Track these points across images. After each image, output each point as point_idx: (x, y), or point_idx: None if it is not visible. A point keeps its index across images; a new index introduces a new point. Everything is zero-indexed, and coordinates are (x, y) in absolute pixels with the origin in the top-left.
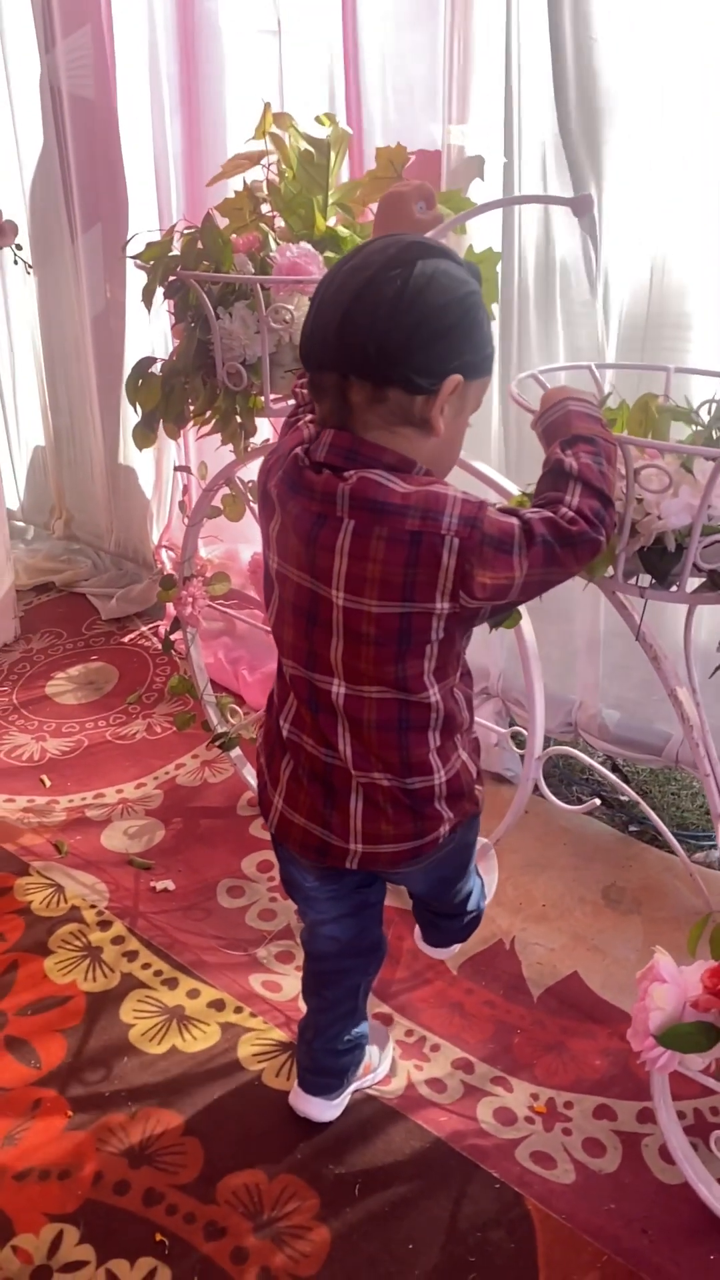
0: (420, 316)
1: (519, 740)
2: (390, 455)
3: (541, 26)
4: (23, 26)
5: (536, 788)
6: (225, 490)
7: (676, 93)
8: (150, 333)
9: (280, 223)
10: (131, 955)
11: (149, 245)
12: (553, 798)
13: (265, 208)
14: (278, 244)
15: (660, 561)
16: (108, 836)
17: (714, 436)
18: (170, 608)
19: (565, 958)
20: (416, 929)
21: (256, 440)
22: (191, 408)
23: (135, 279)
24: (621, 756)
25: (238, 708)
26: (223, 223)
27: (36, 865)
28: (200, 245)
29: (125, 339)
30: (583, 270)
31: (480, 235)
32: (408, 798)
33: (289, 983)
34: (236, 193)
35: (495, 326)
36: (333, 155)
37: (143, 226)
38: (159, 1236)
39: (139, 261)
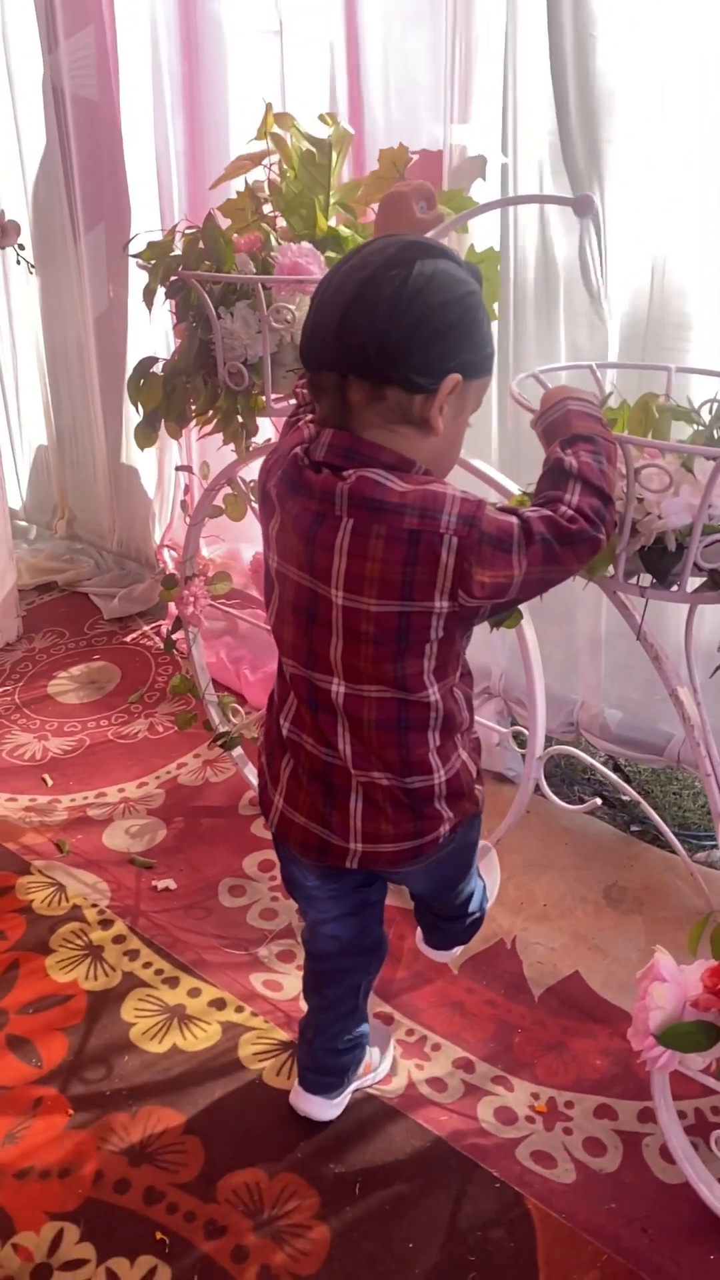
0: (419, 316)
1: (520, 740)
2: (389, 454)
3: (541, 26)
4: (25, 27)
5: (538, 787)
6: (227, 490)
7: (677, 92)
8: (152, 333)
9: (282, 223)
10: (133, 954)
11: (150, 245)
12: (554, 797)
13: (267, 208)
14: (279, 244)
15: (661, 561)
16: (109, 835)
17: (715, 436)
18: (172, 607)
19: (566, 957)
20: (418, 931)
21: (258, 440)
22: (193, 407)
23: (137, 279)
24: (623, 756)
25: (239, 707)
26: (225, 223)
27: (38, 864)
28: (202, 245)
29: (127, 339)
30: (584, 270)
31: (479, 235)
32: (407, 797)
33: (290, 982)
34: (239, 193)
35: (495, 326)
36: (334, 155)
37: (145, 227)
38: (159, 1235)
39: (140, 261)
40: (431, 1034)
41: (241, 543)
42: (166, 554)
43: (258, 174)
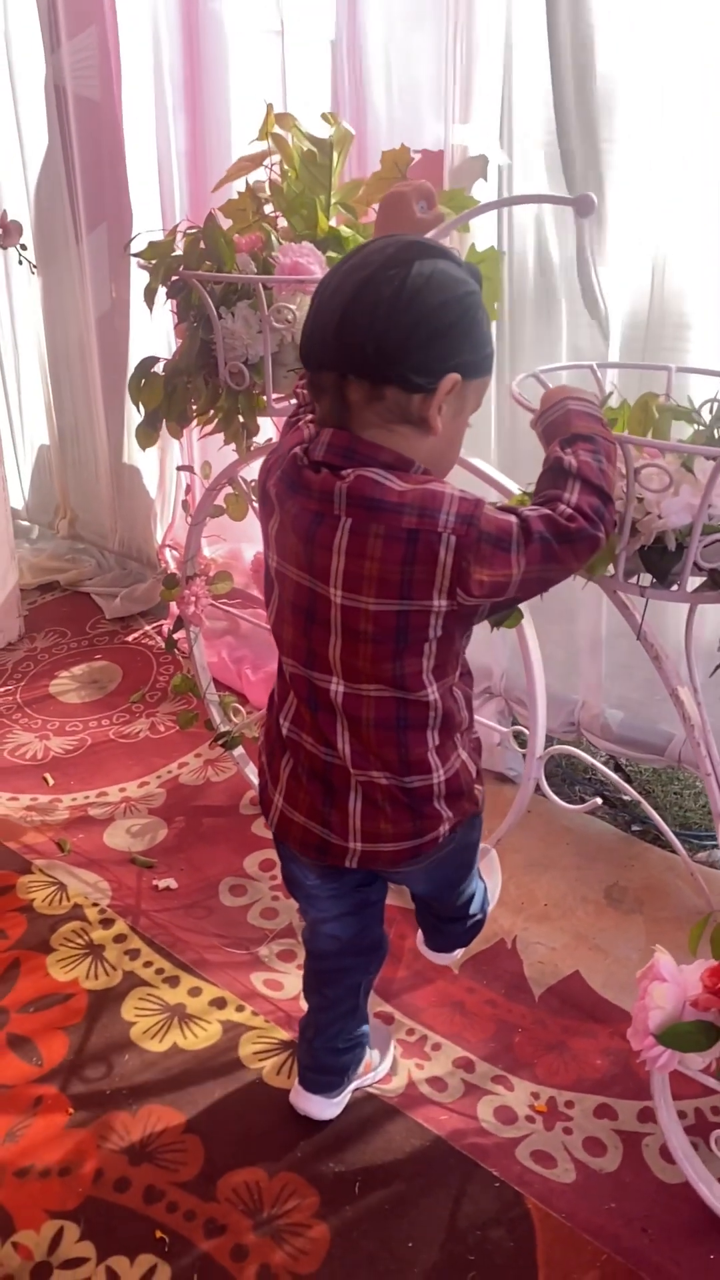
0: (418, 315)
1: (521, 739)
2: (388, 454)
3: (541, 27)
4: (28, 28)
5: (538, 787)
6: (228, 489)
7: (677, 92)
8: (154, 333)
9: (283, 223)
10: (133, 953)
11: (151, 244)
12: (554, 797)
13: (268, 208)
14: (280, 244)
15: (661, 560)
16: (110, 835)
17: (715, 436)
18: (174, 607)
19: (567, 957)
20: (419, 933)
21: (259, 439)
22: (194, 407)
23: (139, 279)
24: (624, 756)
25: (240, 707)
26: (226, 223)
27: (39, 863)
28: (203, 245)
29: (129, 339)
30: (582, 270)
31: (479, 235)
32: (406, 796)
33: (290, 981)
34: (240, 193)
35: (495, 326)
36: (335, 155)
37: (147, 227)
38: (159, 1234)
39: (141, 261)
40: (432, 1033)
41: (243, 542)
42: (168, 554)
43: (259, 174)
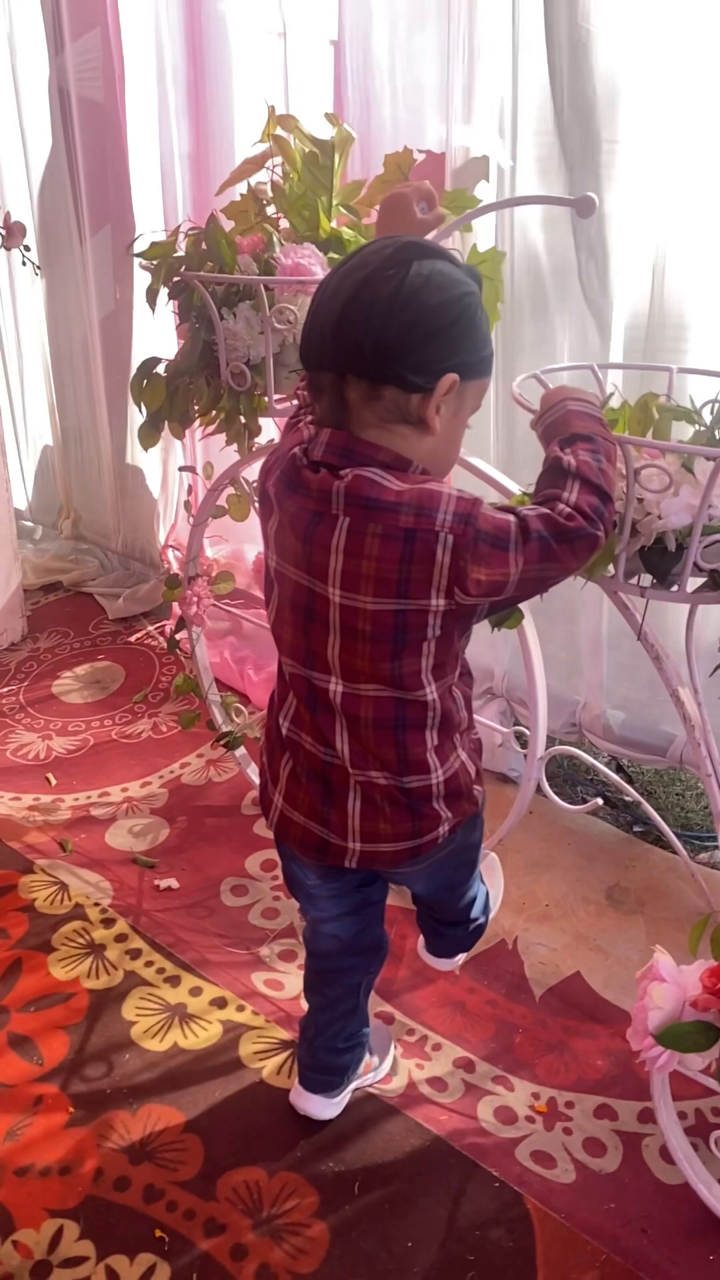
0: (416, 315)
1: (522, 740)
2: (386, 454)
3: (541, 28)
4: (32, 30)
5: (539, 788)
6: (230, 490)
7: (677, 93)
8: (157, 334)
9: (285, 224)
10: (135, 953)
11: (153, 244)
12: (555, 797)
13: (270, 209)
14: (282, 245)
15: (661, 561)
16: (112, 835)
17: (716, 436)
18: (176, 607)
19: (568, 958)
20: (420, 938)
21: (261, 440)
22: (196, 408)
23: (142, 280)
24: (626, 757)
25: (242, 707)
26: (228, 225)
27: (41, 863)
28: (204, 246)
29: (133, 340)
30: (583, 271)
31: (480, 236)
32: (405, 796)
33: (291, 981)
34: (242, 195)
35: (497, 326)
36: (336, 157)
37: (150, 228)
38: (158, 1233)
39: (143, 261)
40: (432, 1034)
41: (245, 543)
42: (171, 554)
43: (261, 175)
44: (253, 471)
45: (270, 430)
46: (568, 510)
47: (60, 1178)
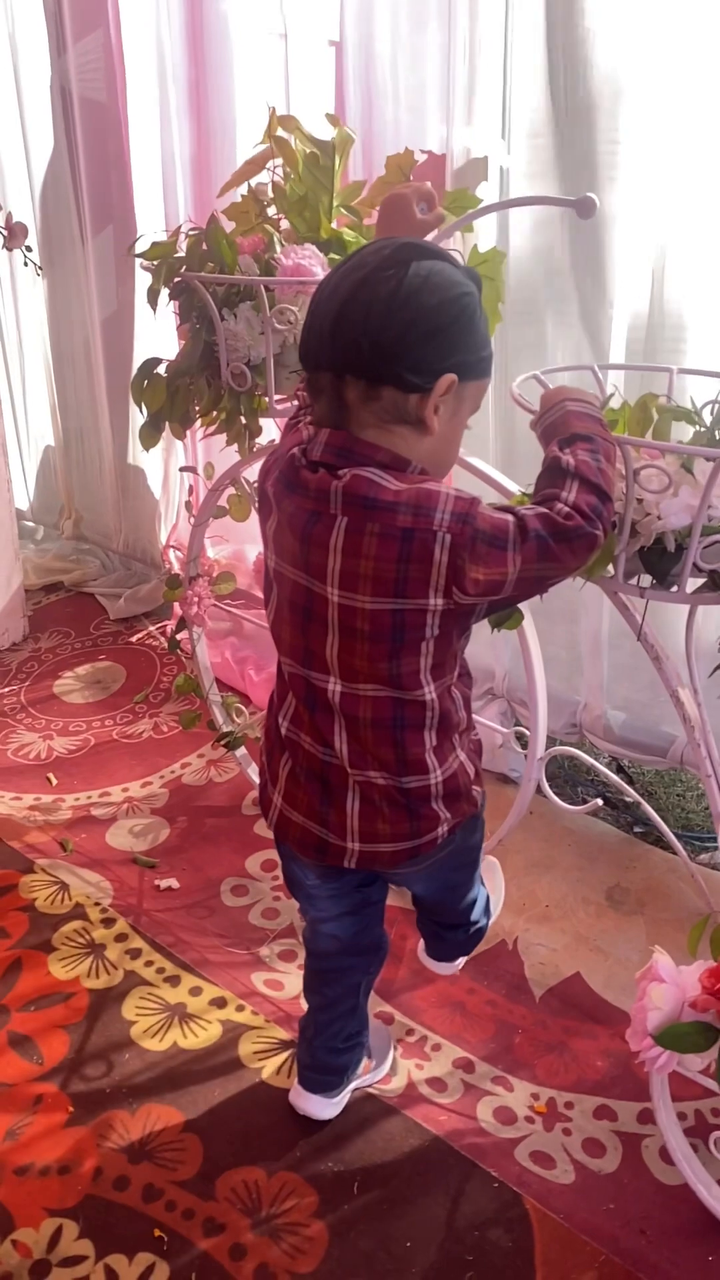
0: (414, 315)
1: (523, 740)
2: (384, 454)
3: (541, 29)
4: (34, 31)
5: (539, 788)
6: (231, 490)
7: (678, 94)
8: (160, 334)
9: (286, 224)
10: (135, 953)
11: (153, 245)
12: (555, 798)
13: (271, 210)
14: (282, 245)
15: (660, 562)
16: (113, 835)
17: (716, 437)
18: (177, 607)
19: (568, 958)
20: (420, 942)
21: (261, 440)
22: (197, 408)
23: (144, 281)
24: (627, 758)
25: (243, 707)
26: (229, 226)
27: (42, 863)
28: (205, 247)
29: (134, 340)
30: (582, 272)
31: (480, 237)
32: (404, 797)
33: (291, 981)
34: (243, 196)
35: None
36: (337, 158)
37: (152, 229)
38: (157, 1232)
39: (144, 262)
40: (432, 1034)
41: (246, 543)
42: (172, 554)
43: (262, 176)
44: (253, 472)
45: (271, 431)
46: (566, 510)
47: (60, 1177)
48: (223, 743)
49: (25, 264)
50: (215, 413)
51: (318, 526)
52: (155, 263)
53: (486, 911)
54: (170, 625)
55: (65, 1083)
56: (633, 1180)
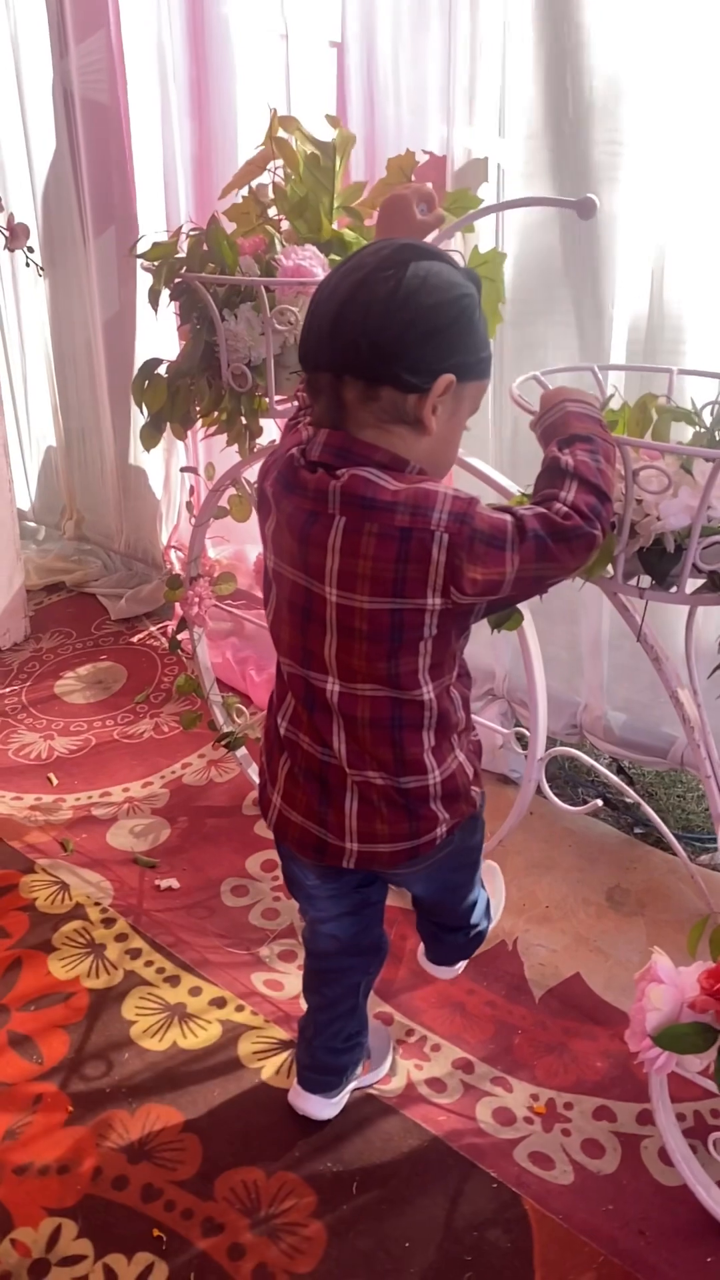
0: (413, 315)
1: (523, 741)
2: (382, 454)
3: (541, 30)
4: (37, 32)
5: (540, 789)
6: (232, 491)
7: (678, 95)
8: (162, 335)
9: (287, 225)
10: (135, 953)
11: (154, 245)
12: (555, 799)
13: (272, 211)
14: (283, 246)
15: (659, 562)
16: (113, 835)
17: (716, 438)
18: (178, 608)
19: (568, 959)
20: (420, 946)
21: (262, 441)
22: (198, 409)
23: (146, 282)
24: (627, 759)
25: (244, 707)
26: (230, 227)
27: (42, 863)
28: (206, 247)
29: (136, 341)
30: (582, 273)
31: (480, 238)
32: (402, 797)
33: (291, 981)
34: (244, 197)
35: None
36: (337, 159)
37: (154, 230)
38: (156, 1232)
39: (144, 262)
40: (431, 1034)
41: (247, 544)
42: (173, 555)
43: (263, 177)
44: (254, 472)
45: (271, 431)
46: (565, 509)
47: (59, 1176)
48: (223, 743)
49: (27, 265)
50: (216, 413)
51: (316, 526)
52: (156, 263)
53: (487, 914)
54: (171, 625)
55: (65, 1082)
56: (632, 1181)
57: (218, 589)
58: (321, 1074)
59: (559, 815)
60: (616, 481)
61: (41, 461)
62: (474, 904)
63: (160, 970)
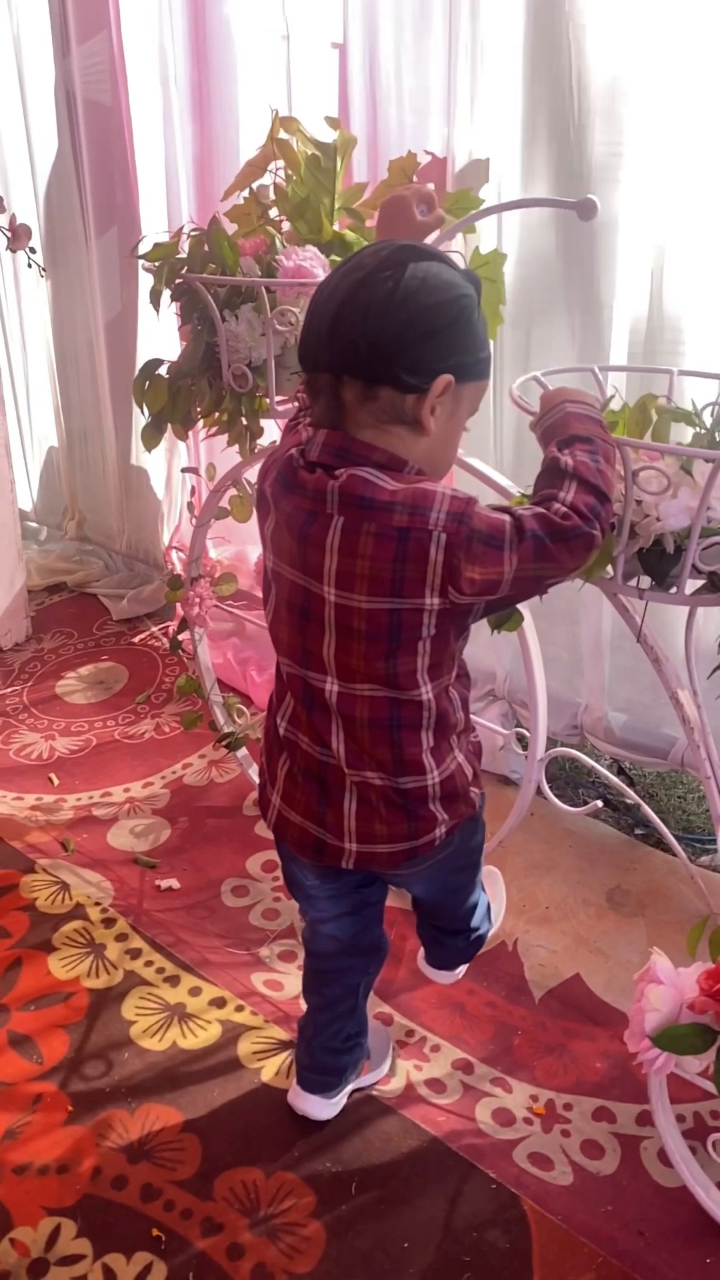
0: (411, 315)
1: (523, 742)
2: (381, 454)
3: (542, 31)
4: (39, 33)
5: (540, 790)
6: (233, 491)
7: (678, 97)
8: (164, 336)
9: (288, 226)
10: (135, 953)
11: (155, 246)
12: (555, 799)
13: (273, 212)
14: (284, 247)
15: (659, 563)
16: (114, 835)
17: (716, 439)
18: (179, 608)
19: (568, 960)
20: (420, 950)
21: (263, 441)
22: (199, 409)
23: (148, 282)
24: (627, 759)
25: (244, 708)
26: (231, 228)
27: (43, 862)
28: (206, 248)
29: (137, 342)
30: (582, 274)
31: (480, 239)
32: (400, 797)
33: (291, 981)
34: (245, 198)
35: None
36: (338, 160)
37: (155, 231)
38: (155, 1231)
39: (145, 263)
40: (431, 1035)
41: (248, 544)
42: (175, 555)
43: (264, 178)
44: (255, 473)
45: (272, 432)
46: (564, 509)
47: (58, 1176)
48: (224, 743)
49: (29, 265)
50: (217, 414)
51: (314, 526)
52: (157, 264)
53: (487, 918)
54: (172, 626)
55: (65, 1082)
56: (631, 1182)
57: (219, 590)
58: (321, 1074)
59: (559, 816)
60: (616, 482)
61: (43, 462)
62: (474, 906)
63: (160, 970)
